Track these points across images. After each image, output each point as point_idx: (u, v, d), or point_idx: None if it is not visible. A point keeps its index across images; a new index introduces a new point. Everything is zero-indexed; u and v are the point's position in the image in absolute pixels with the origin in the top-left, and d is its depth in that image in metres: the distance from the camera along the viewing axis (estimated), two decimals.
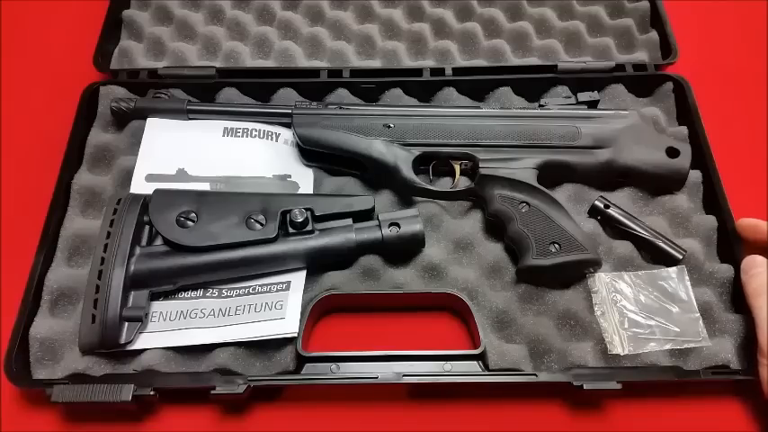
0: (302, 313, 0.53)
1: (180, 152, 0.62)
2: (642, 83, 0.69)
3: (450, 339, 0.57)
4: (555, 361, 0.53)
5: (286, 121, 0.64)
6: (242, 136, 0.64)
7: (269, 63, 0.71)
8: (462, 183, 0.62)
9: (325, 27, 0.73)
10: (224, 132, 0.64)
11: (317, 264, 0.56)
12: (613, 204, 0.60)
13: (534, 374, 0.52)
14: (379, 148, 0.60)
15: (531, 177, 0.59)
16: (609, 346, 0.53)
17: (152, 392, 0.50)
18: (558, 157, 0.60)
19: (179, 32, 0.73)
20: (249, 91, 0.68)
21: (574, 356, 0.53)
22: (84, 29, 0.73)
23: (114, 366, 0.52)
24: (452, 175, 0.63)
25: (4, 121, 0.69)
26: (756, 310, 0.53)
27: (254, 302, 0.54)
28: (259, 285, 0.55)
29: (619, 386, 0.50)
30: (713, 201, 0.61)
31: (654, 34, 0.71)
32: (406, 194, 0.61)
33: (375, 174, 0.61)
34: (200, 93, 0.68)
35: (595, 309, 0.55)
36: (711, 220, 0.60)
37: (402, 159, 0.60)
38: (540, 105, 0.64)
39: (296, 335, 0.52)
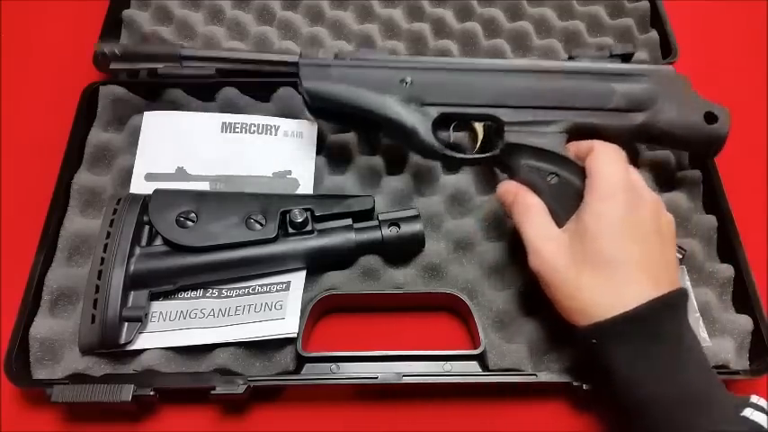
0: (302, 313, 0.53)
1: (178, 150, 0.62)
2: None
3: (450, 339, 0.57)
4: (555, 361, 0.53)
5: (291, 71, 0.57)
6: (240, 131, 0.64)
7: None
8: (486, 147, 0.57)
9: (325, 27, 0.73)
10: (222, 128, 0.64)
11: (317, 264, 0.56)
12: None
13: (534, 374, 0.52)
14: (394, 107, 0.55)
15: (560, 144, 0.54)
16: None
17: (152, 392, 0.50)
18: (587, 120, 0.55)
19: (179, 32, 0.73)
20: (249, 91, 0.68)
21: (574, 356, 0.53)
22: (84, 29, 0.73)
23: (114, 366, 0.52)
24: (473, 135, 0.59)
25: (3, 120, 0.69)
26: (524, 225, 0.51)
27: (254, 302, 0.54)
28: (259, 285, 0.55)
29: None
30: (713, 201, 0.61)
31: (654, 34, 0.71)
32: (424, 158, 0.59)
33: (389, 136, 0.58)
34: (201, 92, 0.68)
35: None
36: (711, 220, 0.60)
37: (419, 121, 0.55)
38: (570, 57, 0.59)
39: (296, 335, 0.52)
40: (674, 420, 0.42)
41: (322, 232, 0.56)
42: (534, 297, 0.56)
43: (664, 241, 0.48)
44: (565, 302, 0.47)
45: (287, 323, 0.52)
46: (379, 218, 0.57)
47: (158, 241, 0.54)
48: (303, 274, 0.56)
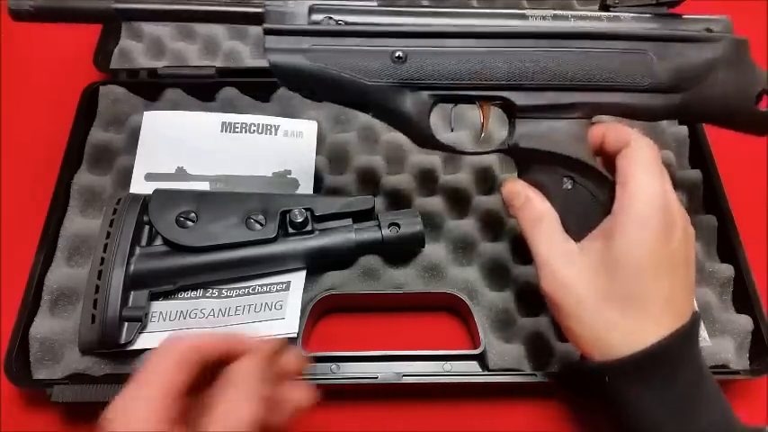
0: (302, 313, 0.53)
1: (178, 150, 0.62)
2: None
3: (450, 339, 0.57)
4: (555, 361, 0.53)
5: (255, 24, 0.46)
6: (240, 131, 0.64)
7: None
8: (494, 134, 0.51)
9: None
10: (222, 128, 0.64)
11: (317, 264, 0.56)
12: None
13: (534, 374, 0.52)
14: (383, 95, 0.45)
15: (581, 133, 0.45)
16: None
17: None
18: (618, 101, 0.46)
19: (179, 32, 0.73)
20: (249, 90, 0.68)
21: (574, 356, 0.53)
22: (84, 29, 0.72)
23: (114, 366, 0.52)
24: (480, 115, 0.48)
25: (3, 120, 0.69)
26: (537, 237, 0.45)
27: (254, 302, 0.54)
28: (259, 285, 0.55)
29: None
30: (713, 201, 0.61)
31: None
32: (422, 147, 0.49)
33: (377, 117, 0.49)
34: (201, 92, 0.68)
35: None
36: (711, 220, 0.60)
37: (416, 108, 0.45)
38: (606, 7, 0.47)
39: (296, 335, 0.52)
40: None
41: (322, 232, 0.56)
42: (534, 297, 0.56)
43: (689, 267, 0.44)
44: (578, 332, 0.43)
45: (287, 323, 0.52)
46: (379, 218, 0.57)
47: (158, 241, 0.54)
48: (303, 274, 0.56)
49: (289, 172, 0.62)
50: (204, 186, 0.61)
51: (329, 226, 0.56)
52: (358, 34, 0.45)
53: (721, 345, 0.54)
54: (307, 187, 0.62)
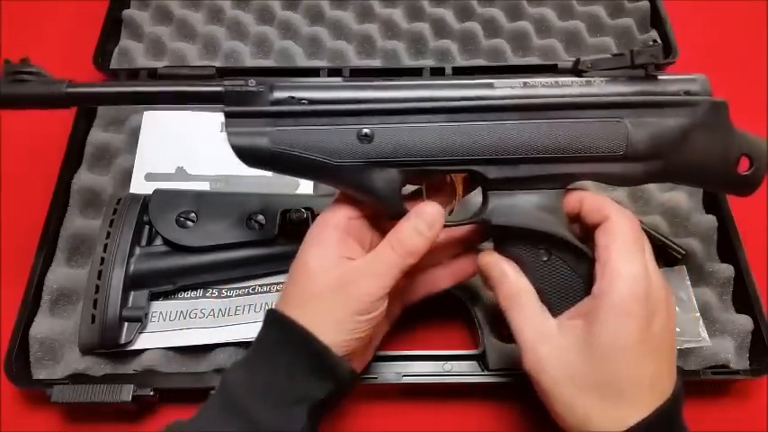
0: None
1: (178, 149, 0.62)
2: None
3: (450, 339, 0.57)
4: None
5: (215, 104, 0.43)
6: None
7: (269, 63, 0.71)
8: (470, 203, 0.49)
9: (324, 27, 0.73)
10: (222, 127, 0.64)
11: None
12: None
13: None
14: (351, 174, 0.43)
15: (556, 203, 0.44)
16: None
17: (152, 393, 0.50)
18: (594, 171, 0.44)
19: (179, 32, 0.73)
20: None
21: None
22: (84, 29, 0.73)
23: (114, 366, 0.52)
24: (450, 189, 0.48)
25: (3, 120, 0.69)
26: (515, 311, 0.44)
27: (254, 302, 0.54)
28: (259, 285, 0.55)
29: None
30: (713, 201, 0.61)
31: (654, 34, 0.71)
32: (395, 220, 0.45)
33: (349, 193, 0.46)
34: None
35: None
36: (711, 220, 0.60)
37: (385, 185, 0.43)
38: (580, 72, 0.45)
39: None
40: None
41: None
42: None
43: (672, 347, 0.42)
44: (556, 409, 0.41)
45: None
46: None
47: (158, 241, 0.54)
48: None
49: None
50: (204, 186, 0.61)
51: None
52: (321, 114, 0.43)
53: (721, 345, 0.54)
54: (307, 187, 0.62)
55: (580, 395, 0.40)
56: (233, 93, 0.43)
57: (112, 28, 0.71)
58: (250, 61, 0.71)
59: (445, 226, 0.45)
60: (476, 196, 0.47)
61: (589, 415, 0.40)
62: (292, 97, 0.43)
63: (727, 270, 0.57)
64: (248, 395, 0.41)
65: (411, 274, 0.48)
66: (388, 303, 0.45)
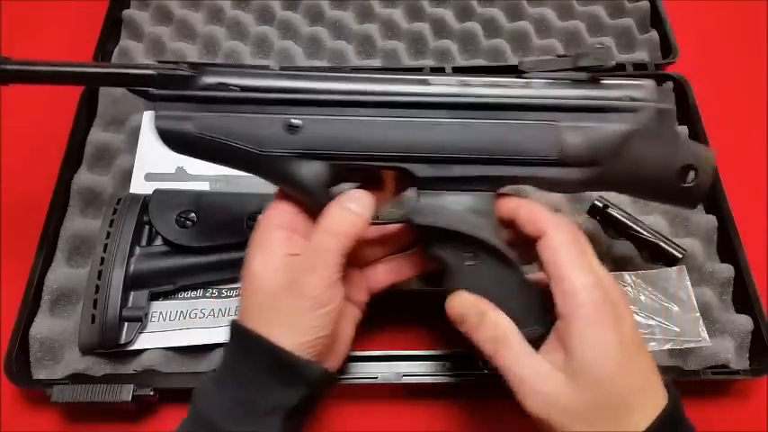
0: None
1: None
2: None
3: (450, 339, 0.57)
4: None
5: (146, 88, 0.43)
6: None
7: (269, 63, 0.71)
8: (403, 204, 0.48)
9: (325, 27, 0.73)
10: None
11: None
12: (613, 204, 0.59)
13: None
14: (277, 165, 0.42)
15: (486, 212, 0.43)
16: None
17: (152, 392, 0.50)
18: (526, 175, 0.43)
19: (179, 32, 0.73)
20: None
21: None
22: (84, 29, 0.73)
23: (114, 366, 0.52)
24: (381, 185, 0.46)
25: (4, 120, 0.69)
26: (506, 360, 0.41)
27: None
28: None
29: None
30: (713, 201, 0.61)
31: (654, 34, 0.71)
32: None
33: (277, 185, 0.45)
34: None
35: None
36: (711, 220, 0.60)
37: (313, 179, 0.42)
38: (520, 73, 0.44)
39: None
40: None
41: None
42: None
43: (642, 342, 0.42)
44: None
45: None
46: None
47: (158, 241, 0.54)
48: None
49: None
50: (204, 186, 0.61)
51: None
52: (249, 101, 0.42)
53: (721, 345, 0.54)
54: None
55: (597, 423, 0.39)
56: (164, 76, 0.42)
57: (112, 28, 0.71)
58: (250, 61, 0.71)
59: (372, 224, 0.44)
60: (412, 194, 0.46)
61: None
62: (222, 83, 0.42)
63: (727, 270, 0.57)
64: (218, 411, 0.40)
65: (357, 262, 0.49)
66: (352, 291, 0.45)
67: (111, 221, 0.54)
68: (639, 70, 0.69)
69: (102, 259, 0.52)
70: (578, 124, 0.42)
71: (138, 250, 0.53)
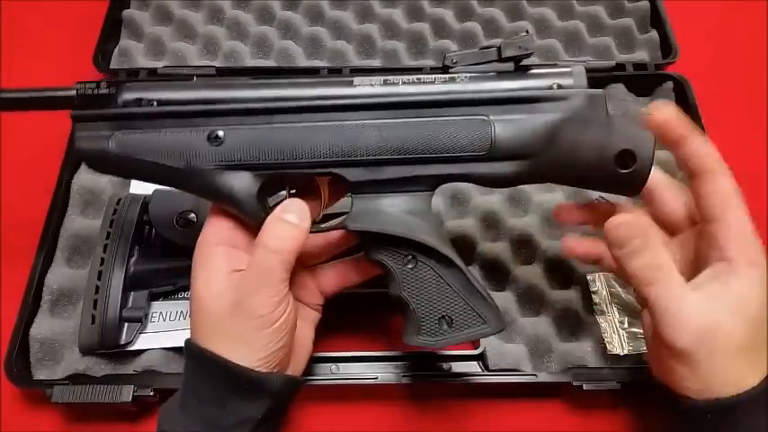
0: None
1: None
2: (642, 82, 0.69)
3: None
4: (555, 361, 0.53)
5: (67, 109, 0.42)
6: None
7: (269, 63, 0.71)
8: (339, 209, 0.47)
9: (324, 27, 0.73)
10: None
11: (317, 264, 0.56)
12: (612, 204, 0.59)
13: (534, 374, 0.52)
14: (204, 179, 0.41)
15: (423, 213, 0.42)
16: (608, 346, 0.53)
17: (152, 393, 0.50)
18: (459, 172, 0.42)
19: (179, 32, 0.73)
20: None
21: (574, 356, 0.53)
22: (84, 29, 0.73)
23: (114, 367, 0.52)
24: (316, 195, 0.45)
25: (4, 120, 0.69)
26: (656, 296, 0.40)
27: None
28: None
29: (618, 386, 0.50)
30: None
31: (654, 34, 0.71)
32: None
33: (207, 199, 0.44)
34: None
35: (595, 308, 0.55)
36: None
37: (242, 191, 0.41)
38: (445, 68, 0.43)
39: None
40: None
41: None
42: (534, 297, 0.56)
43: None
44: (711, 379, 0.39)
45: None
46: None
47: (158, 241, 0.54)
48: None
49: None
50: None
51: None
52: (168, 115, 0.41)
53: None
54: None
55: (737, 357, 0.39)
56: (82, 96, 0.42)
57: (112, 28, 0.71)
58: (250, 61, 0.71)
59: (311, 232, 0.43)
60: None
61: (745, 374, 0.39)
62: (140, 99, 0.41)
63: None
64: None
65: (306, 264, 0.49)
66: (304, 294, 0.46)
67: (111, 221, 0.54)
68: (639, 70, 0.69)
69: (102, 259, 0.52)
70: (507, 117, 0.41)
71: (137, 250, 0.53)
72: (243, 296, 0.41)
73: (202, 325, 0.42)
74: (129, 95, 0.41)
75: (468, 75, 0.42)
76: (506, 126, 0.41)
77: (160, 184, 0.43)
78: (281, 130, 0.41)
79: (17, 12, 0.78)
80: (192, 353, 0.42)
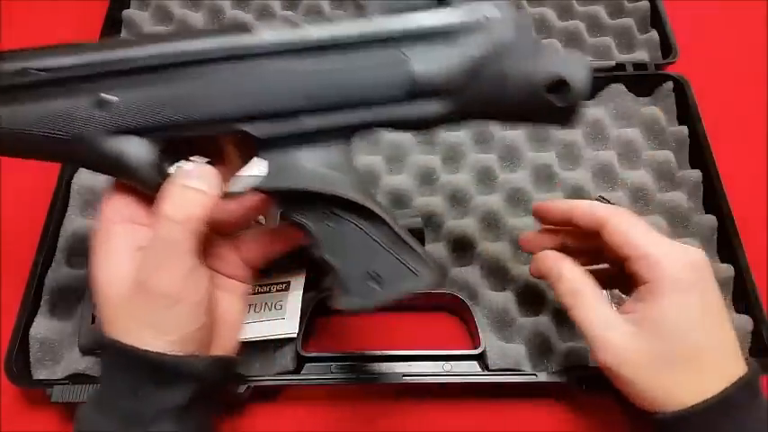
0: (302, 313, 0.53)
1: None
2: (642, 82, 0.69)
3: (449, 339, 0.57)
4: (555, 361, 0.53)
5: None
6: None
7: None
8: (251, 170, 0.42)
9: None
10: None
11: (318, 264, 0.56)
12: (613, 204, 0.59)
13: (534, 374, 0.52)
14: (94, 148, 0.38)
15: (341, 166, 0.39)
16: None
17: None
18: (376, 118, 0.38)
19: None
20: None
21: (574, 357, 0.53)
22: (84, 29, 0.73)
23: None
24: (224, 158, 0.42)
25: None
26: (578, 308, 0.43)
27: (254, 303, 0.54)
28: (258, 285, 0.55)
29: None
30: (713, 201, 0.61)
31: (654, 34, 0.71)
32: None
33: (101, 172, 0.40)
34: None
35: None
36: (711, 220, 0.60)
37: (139, 160, 0.38)
38: (360, 6, 0.40)
39: (296, 335, 0.52)
40: None
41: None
42: (534, 297, 0.56)
43: (726, 310, 0.43)
44: (640, 394, 0.41)
45: (287, 323, 0.52)
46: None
47: None
48: (303, 274, 0.56)
49: None
50: None
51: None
52: (52, 83, 0.37)
53: None
54: None
55: (661, 374, 0.40)
56: None
57: (112, 28, 0.71)
58: None
59: (224, 197, 0.40)
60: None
61: (672, 392, 0.40)
62: (24, 68, 0.37)
63: (727, 270, 0.57)
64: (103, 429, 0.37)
65: (220, 237, 0.44)
66: (225, 266, 0.43)
67: None
68: (639, 70, 0.69)
69: None
70: (426, 53, 0.38)
71: None
72: (147, 274, 0.37)
73: (108, 313, 0.38)
74: (9, 65, 0.37)
75: (383, 10, 0.38)
76: (426, 62, 0.38)
77: (56, 160, 0.40)
78: (173, 87, 0.37)
79: (17, 12, 0.78)
80: (104, 345, 0.38)
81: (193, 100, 0.37)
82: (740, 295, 0.57)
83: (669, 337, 0.40)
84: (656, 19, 0.72)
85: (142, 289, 0.37)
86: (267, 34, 0.38)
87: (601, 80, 0.68)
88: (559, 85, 0.37)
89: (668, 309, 0.41)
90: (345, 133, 0.39)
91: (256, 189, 0.40)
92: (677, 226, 0.61)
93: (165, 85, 0.37)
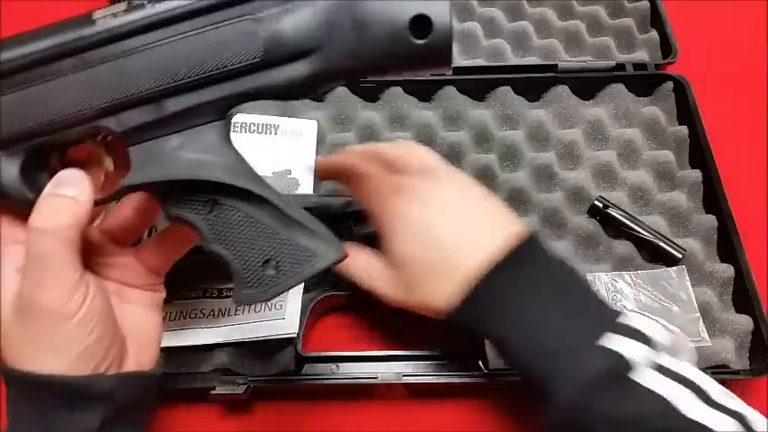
0: (302, 313, 0.53)
1: None
2: (642, 82, 0.69)
3: (450, 339, 0.57)
4: None
5: None
6: (240, 131, 0.64)
7: None
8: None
9: None
10: None
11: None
12: (613, 204, 0.60)
13: None
14: None
15: (218, 147, 0.36)
16: None
17: None
18: (244, 90, 0.36)
19: None
20: None
21: None
22: None
23: None
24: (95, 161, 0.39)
25: None
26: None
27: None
28: None
29: None
30: (713, 201, 0.61)
31: (654, 34, 0.71)
32: None
33: None
34: None
35: None
36: (711, 220, 0.60)
37: (6, 177, 0.36)
38: None
39: (296, 335, 0.52)
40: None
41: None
42: None
43: (485, 204, 0.47)
44: (404, 300, 0.48)
45: (287, 323, 0.52)
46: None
47: None
48: None
49: (289, 172, 0.62)
50: None
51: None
52: None
53: (721, 345, 0.54)
54: (307, 187, 0.62)
55: (426, 287, 0.45)
56: None
57: None
58: None
59: (96, 204, 0.37)
60: None
61: (430, 292, 0.45)
62: None
63: (727, 270, 0.57)
64: None
65: (117, 246, 0.42)
66: (128, 276, 0.41)
67: None
68: (639, 70, 0.69)
69: None
70: (278, 11, 0.35)
71: None
72: (29, 293, 0.34)
73: (2, 341, 0.36)
74: None
75: None
76: (280, 22, 0.35)
77: None
78: (19, 94, 0.35)
79: (17, 12, 0.78)
80: (5, 377, 0.36)
81: (43, 104, 0.35)
82: (740, 295, 0.57)
83: (401, 266, 0.46)
84: (656, 19, 0.72)
85: (27, 309, 0.35)
86: (108, 22, 0.35)
87: (601, 80, 0.68)
88: (422, 24, 0.34)
89: (392, 244, 0.47)
90: (215, 111, 0.36)
91: (128, 188, 0.37)
92: (677, 226, 0.61)
93: (10, 93, 0.35)
